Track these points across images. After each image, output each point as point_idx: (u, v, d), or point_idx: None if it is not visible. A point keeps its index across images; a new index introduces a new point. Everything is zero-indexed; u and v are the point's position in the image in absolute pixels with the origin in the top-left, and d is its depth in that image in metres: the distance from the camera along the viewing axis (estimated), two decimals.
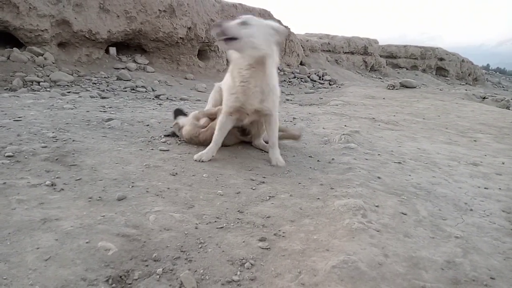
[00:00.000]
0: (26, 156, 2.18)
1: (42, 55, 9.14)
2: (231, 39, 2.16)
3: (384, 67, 25.65)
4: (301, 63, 18.55)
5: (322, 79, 14.92)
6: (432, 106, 7.66)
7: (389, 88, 12.55)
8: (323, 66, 19.63)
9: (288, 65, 16.59)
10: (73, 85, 8.40)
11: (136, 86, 9.07)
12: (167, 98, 8.36)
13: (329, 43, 22.39)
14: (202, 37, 12.31)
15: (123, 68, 10.36)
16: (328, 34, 23.88)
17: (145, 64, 11.22)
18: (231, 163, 2.53)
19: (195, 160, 2.49)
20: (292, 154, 2.92)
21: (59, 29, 9.71)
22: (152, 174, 2.14)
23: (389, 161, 2.88)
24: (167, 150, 2.64)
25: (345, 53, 23.27)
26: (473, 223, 1.79)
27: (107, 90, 8.36)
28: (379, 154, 3.05)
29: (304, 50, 19.24)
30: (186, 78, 11.49)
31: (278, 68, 13.07)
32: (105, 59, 10.81)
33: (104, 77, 9.50)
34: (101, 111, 3.80)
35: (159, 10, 11.20)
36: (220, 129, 2.60)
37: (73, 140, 2.59)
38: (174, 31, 11.51)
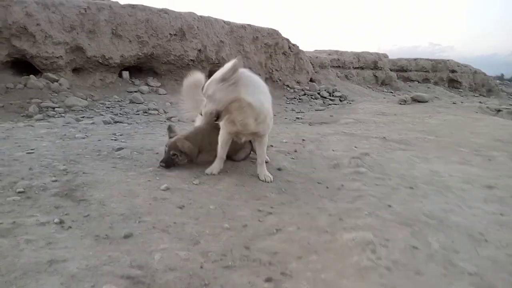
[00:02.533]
0: (36, 192, 2.21)
1: (57, 81, 9.41)
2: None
3: (395, 81, 25.53)
4: (311, 80, 18.61)
5: (333, 96, 14.91)
6: (445, 121, 7.54)
7: (400, 103, 12.45)
8: (333, 82, 19.66)
9: (298, 83, 16.67)
10: (87, 109, 8.59)
11: (149, 109, 9.22)
12: (178, 120, 8.45)
13: (338, 59, 22.46)
14: (212, 59, 12.51)
15: (135, 91, 10.57)
16: (337, 50, 23.97)
17: (157, 87, 11.43)
18: (239, 193, 2.52)
19: (207, 174, 2.79)
20: (301, 181, 2.90)
21: (73, 55, 10.02)
22: (159, 207, 2.14)
23: (401, 186, 2.83)
24: (175, 179, 2.65)
25: (355, 68, 23.28)
26: (488, 256, 1.73)
27: (120, 114, 8.51)
28: (390, 179, 3.00)
29: (313, 66, 19.32)
30: None
31: (288, 86, 13.27)
32: (119, 83, 11.06)
33: (118, 101, 9.70)
34: (112, 139, 3.86)
35: (170, 34, 11.47)
36: (222, 147, 2.87)
37: (83, 173, 2.62)
38: (185, 54, 11.75)
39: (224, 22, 13.64)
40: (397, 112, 9.38)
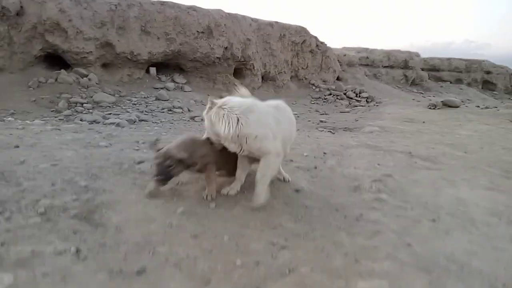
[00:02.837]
0: (57, 213, 2.27)
1: (86, 76, 9.65)
2: None
3: (426, 81, 24.72)
4: (338, 78, 18.29)
5: (359, 96, 14.59)
6: (476, 133, 7.24)
7: (430, 108, 12.06)
8: (361, 81, 19.23)
9: (324, 81, 16.42)
10: (114, 106, 8.78)
11: (173, 107, 9.32)
12: (201, 120, 8.51)
13: (367, 57, 21.95)
14: (238, 56, 12.49)
15: (162, 88, 10.72)
16: (367, 48, 23.41)
17: (183, 84, 11.55)
18: (254, 219, 2.50)
19: (223, 194, 2.81)
20: (319, 206, 2.84)
21: (103, 51, 10.24)
22: (173, 236, 2.15)
23: (422, 218, 2.73)
24: (191, 200, 2.66)
25: (385, 67, 22.69)
26: None
27: (145, 111, 8.65)
28: (412, 208, 2.90)
29: (341, 64, 18.96)
30: (222, 97, 11.65)
31: (314, 85, 13.06)
32: (146, 79, 11.24)
33: (144, 97, 9.86)
34: (135, 148, 3.92)
35: (197, 31, 11.52)
36: (239, 167, 2.91)
37: (104, 190, 2.67)
38: (211, 51, 11.78)
39: (252, 19, 13.55)
40: (425, 119, 9.09)
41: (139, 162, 3.36)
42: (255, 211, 2.66)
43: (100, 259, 1.85)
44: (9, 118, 6.14)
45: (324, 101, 14.23)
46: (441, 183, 3.75)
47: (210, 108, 2.62)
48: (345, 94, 14.65)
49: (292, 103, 13.09)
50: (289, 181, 3.32)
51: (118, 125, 6.01)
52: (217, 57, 11.96)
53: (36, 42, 9.35)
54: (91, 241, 2.02)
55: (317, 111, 11.99)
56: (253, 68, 13.22)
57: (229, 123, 2.51)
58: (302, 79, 15.76)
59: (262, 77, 13.96)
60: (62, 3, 9.44)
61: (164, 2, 11.34)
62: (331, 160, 4.31)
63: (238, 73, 13.26)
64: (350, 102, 13.93)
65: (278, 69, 14.54)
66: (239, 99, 2.70)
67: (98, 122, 6.94)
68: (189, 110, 9.43)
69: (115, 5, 10.37)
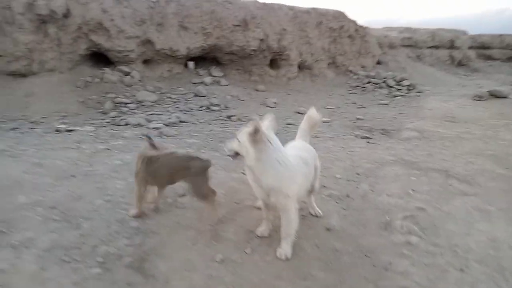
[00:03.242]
0: (113, 261, 2.59)
1: (129, 74, 10.10)
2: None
3: (473, 61, 23.22)
4: (378, 62, 17.67)
5: (399, 84, 14.10)
6: None
7: (475, 99, 11.50)
8: (402, 64, 18.47)
9: (362, 67, 15.97)
10: (156, 104, 9.18)
11: (211, 104, 9.58)
12: (238, 119, 8.73)
13: (410, 38, 20.90)
14: (274, 47, 12.44)
15: (200, 83, 11.00)
16: (410, 28, 22.28)
17: (219, 77, 11.75)
18: (287, 268, 2.69)
19: (257, 236, 3.02)
20: (349, 250, 2.97)
21: (144, 48, 10.61)
22: None
23: (451, 267, 2.80)
24: (229, 244, 2.90)
25: (429, 47, 21.53)
26: None
27: (185, 110, 8.99)
28: (441, 253, 2.97)
29: (381, 47, 18.25)
30: (257, 90, 11.77)
31: (352, 71, 12.83)
32: (184, 73, 11.55)
33: (183, 93, 10.20)
34: None
35: (233, 24, 11.56)
36: (264, 208, 3.01)
37: (152, 232, 2.98)
38: (247, 44, 11.82)
39: (288, 7, 13.32)
40: (468, 118, 8.74)
41: (181, 196, 3.64)
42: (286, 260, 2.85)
43: None
44: (62, 126, 6.64)
45: (362, 90, 13.90)
46: (474, 215, 3.73)
47: (254, 135, 2.45)
48: (384, 82, 14.19)
49: (329, 95, 12.95)
50: (320, 215, 3.47)
51: (160, 133, 6.35)
52: (252, 50, 11.99)
53: (81, 42, 9.86)
54: None
55: (354, 103, 11.78)
56: (289, 58, 13.12)
57: (276, 175, 2.56)
58: (340, 66, 15.43)
59: (298, 66, 13.82)
60: (104, 3, 9.81)
61: None
62: (364, 183, 4.38)
63: (273, 63, 13.22)
64: (390, 91, 13.50)
65: (315, 57, 14.31)
66: (284, 150, 2.75)
67: (142, 126, 7.36)
68: (226, 107, 9.65)
69: (154, 2, 10.61)
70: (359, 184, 4.37)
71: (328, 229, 3.28)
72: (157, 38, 10.64)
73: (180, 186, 3.86)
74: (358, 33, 15.81)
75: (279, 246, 2.83)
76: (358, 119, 9.13)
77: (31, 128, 6.76)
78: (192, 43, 11.22)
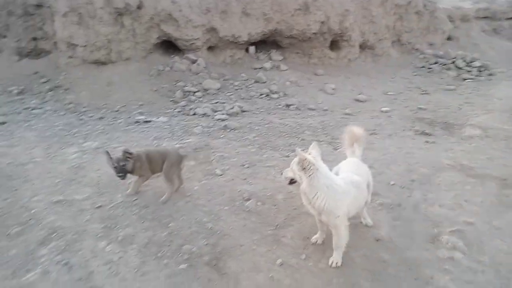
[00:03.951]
0: (196, 259, 3.24)
1: (195, 62, 10.76)
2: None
3: None
4: (448, 38, 16.51)
5: (469, 66, 13.22)
6: None
7: None
8: (475, 39, 17.05)
9: (430, 45, 15.08)
10: (219, 92, 9.80)
11: (270, 92, 9.97)
12: (296, 108, 9.05)
13: (487, 9, 19.03)
14: (335, 29, 12.29)
15: (260, 68, 11.37)
16: None
17: (279, 61, 12.00)
18: (338, 276, 3.13)
19: (312, 243, 3.51)
20: (395, 262, 3.32)
21: (208, 36, 11.16)
22: None
23: (490, 285, 3.06)
24: (287, 249, 3.41)
25: (508, 19, 19.44)
26: None
27: (246, 98, 9.50)
28: (483, 272, 3.21)
29: (452, 21, 16.93)
30: (316, 74, 11.85)
31: (418, 50, 12.31)
32: (245, 58, 11.97)
33: (244, 80, 10.67)
34: (242, 178, 4.75)
35: (294, 8, 11.59)
36: (319, 222, 3.40)
37: (224, 234, 3.59)
38: (307, 28, 11.82)
39: None
40: None
41: (247, 200, 4.20)
42: (337, 270, 3.29)
43: None
44: (141, 118, 7.52)
45: (428, 71, 13.26)
46: None
47: (302, 164, 2.95)
48: (453, 63, 13.37)
49: (391, 77, 12.60)
50: (371, 225, 3.83)
51: (225, 127, 6.94)
52: (313, 33, 11.97)
53: (153, 32, 10.65)
54: None
55: (418, 87, 11.39)
56: (350, 38, 12.87)
57: (325, 198, 3.04)
58: (405, 44, 14.76)
59: (360, 47, 13.51)
60: None
61: None
62: (417, 191, 4.59)
63: (334, 45, 13.06)
64: (459, 74, 12.73)
65: (378, 36, 13.84)
66: (330, 175, 3.18)
67: (208, 116, 8.03)
68: (284, 94, 9.97)
69: None
70: (412, 192, 4.59)
71: (377, 240, 3.65)
72: (221, 26, 11.09)
73: (247, 190, 4.44)
74: (426, 8, 14.86)
75: (332, 255, 3.28)
76: (419, 108, 8.96)
77: (115, 118, 7.73)
78: (253, 28, 11.52)
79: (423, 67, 13.66)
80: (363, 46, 13.77)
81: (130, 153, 3.90)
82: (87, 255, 3.27)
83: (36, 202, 4.09)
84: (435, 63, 13.70)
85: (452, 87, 11.28)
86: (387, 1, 13.81)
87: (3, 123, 6.94)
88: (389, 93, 10.66)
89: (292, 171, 3.10)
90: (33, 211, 3.93)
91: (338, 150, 5.94)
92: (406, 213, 4.13)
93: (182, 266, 3.17)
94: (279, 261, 3.27)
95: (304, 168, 2.97)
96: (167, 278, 3.04)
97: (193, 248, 3.38)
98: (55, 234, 3.55)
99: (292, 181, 3.20)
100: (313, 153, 3.09)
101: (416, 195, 4.52)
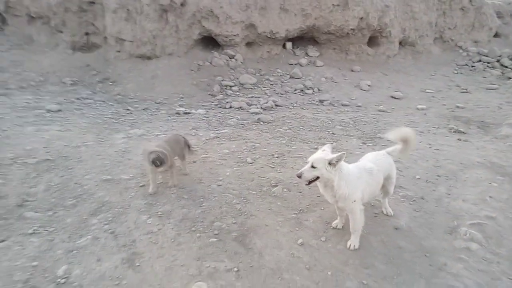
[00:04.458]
0: (225, 235, 3.61)
1: (233, 57, 11.19)
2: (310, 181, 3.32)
3: None
4: (496, 35, 15.80)
5: None
6: None
7: None
8: None
9: (475, 42, 14.57)
10: (255, 87, 10.16)
11: (305, 87, 10.19)
12: (329, 103, 9.22)
13: None
14: (373, 25, 12.23)
15: (296, 64, 11.60)
16: None
17: (315, 57, 12.15)
18: (354, 257, 3.37)
19: (333, 227, 3.76)
20: (412, 249, 3.51)
21: (247, 32, 11.53)
22: (294, 265, 3.23)
23: (504, 275, 3.17)
24: (309, 231, 3.69)
25: None
26: None
27: (281, 93, 9.79)
28: (497, 263, 3.32)
29: (501, 17, 16.17)
30: (352, 71, 11.89)
31: (461, 47, 12.05)
32: (282, 54, 12.24)
33: (280, 75, 10.96)
34: (271, 166, 5.08)
35: (333, 4, 11.67)
36: (337, 209, 3.69)
37: (251, 215, 3.92)
38: (345, 23, 11.87)
39: None
40: None
41: (274, 186, 4.51)
42: (355, 251, 3.53)
43: (250, 279, 3.09)
44: (181, 109, 8.03)
45: (470, 69, 12.85)
46: None
47: (340, 159, 3.22)
48: (498, 61, 12.84)
49: (431, 75, 12.37)
50: (391, 215, 4.02)
51: (259, 120, 7.28)
52: (351, 29, 11.99)
53: (195, 28, 11.17)
54: (245, 262, 3.27)
55: (458, 86, 11.13)
56: (390, 35, 12.73)
57: (345, 186, 3.31)
58: (448, 41, 14.34)
59: (400, 43, 13.33)
60: None
61: None
62: (442, 186, 4.69)
63: (372, 41, 12.99)
64: (503, 72, 12.23)
65: (419, 33, 13.57)
66: (346, 165, 3.42)
67: (243, 109, 8.40)
68: (319, 90, 10.15)
69: None
70: (437, 187, 4.70)
71: (396, 228, 3.83)
72: (259, 22, 11.42)
73: (275, 177, 4.75)
74: (472, 4, 14.33)
75: (350, 238, 3.53)
76: (457, 107, 8.82)
77: (157, 109, 8.31)
78: (291, 24, 11.74)
79: (465, 65, 13.25)
80: (403, 43, 13.58)
81: (162, 159, 4.13)
82: (130, 226, 3.73)
83: (88, 179, 4.63)
84: (479, 61, 13.23)
85: (494, 86, 10.91)
86: None
87: (59, 110, 7.69)
88: (427, 90, 10.52)
89: (315, 168, 3.28)
90: (85, 187, 4.47)
91: (367, 145, 6.10)
92: (428, 205, 4.27)
93: (212, 239, 3.54)
94: (300, 241, 3.56)
95: (334, 165, 3.23)
96: (199, 249, 3.42)
97: (223, 225, 3.75)
98: (104, 207, 4.05)
99: (310, 182, 3.33)
100: (326, 149, 3.40)
101: (440, 189, 4.62)
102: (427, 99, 9.70)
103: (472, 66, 12.99)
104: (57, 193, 4.33)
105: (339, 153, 3.22)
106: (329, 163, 3.21)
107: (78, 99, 8.76)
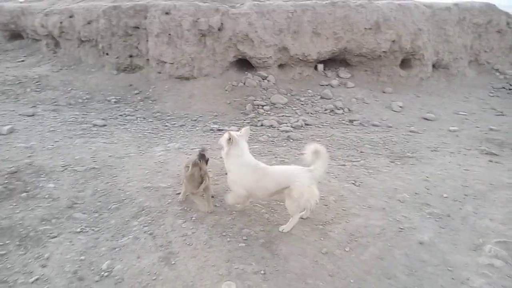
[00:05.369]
0: (253, 241, 3.85)
1: (266, 78, 11.63)
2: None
3: None
4: None
5: None
6: None
7: None
8: None
9: None
10: (286, 106, 10.47)
11: (335, 107, 10.37)
12: (360, 123, 9.34)
13: None
14: (406, 48, 12.31)
15: (327, 85, 11.85)
16: None
17: (346, 79, 12.35)
18: (376, 268, 3.50)
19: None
20: (435, 262, 3.59)
21: (279, 55, 11.97)
22: (317, 272, 3.41)
23: None
24: (333, 241, 3.86)
25: None
26: None
27: (311, 113, 10.02)
28: None
29: None
30: (384, 92, 11.95)
31: (498, 71, 11.73)
32: (313, 75, 12.53)
33: (311, 96, 11.22)
34: None
35: (365, 28, 11.92)
36: None
37: (278, 224, 4.15)
38: (377, 46, 12.04)
39: (426, 5, 12.86)
40: None
41: None
42: (379, 258, 3.66)
43: (276, 282, 3.30)
44: (214, 126, 8.47)
45: (508, 93, 12.55)
46: None
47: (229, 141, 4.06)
48: None
49: (465, 97, 12.19)
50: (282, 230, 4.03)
51: (288, 137, 7.56)
52: (383, 51, 12.14)
53: (231, 51, 11.75)
54: (271, 266, 3.49)
55: (493, 109, 10.90)
56: (423, 57, 12.73)
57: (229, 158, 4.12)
58: (484, 64, 14.11)
59: (433, 66, 13.28)
60: (251, 17, 11.44)
61: (335, 2, 12.10)
62: (469, 205, 4.71)
63: (405, 63, 13.02)
64: None
65: (454, 56, 13.46)
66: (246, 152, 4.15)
67: (274, 127, 8.71)
68: (349, 110, 10.30)
69: (292, 12, 11.80)
70: (464, 205, 4.72)
71: (420, 243, 3.92)
72: (292, 45, 11.83)
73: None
74: (509, 26, 14.10)
75: (373, 251, 3.66)
76: (491, 129, 8.67)
77: (193, 126, 8.79)
78: (323, 47, 12.07)
79: (502, 88, 12.96)
80: (436, 65, 13.52)
81: (206, 156, 4.56)
82: (167, 229, 4.07)
83: (130, 186, 5.06)
84: None
85: None
86: (464, 19, 13.45)
87: (104, 125, 8.34)
88: (460, 113, 10.40)
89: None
90: (127, 193, 4.88)
91: (395, 163, 6.19)
92: (454, 223, 4.31)
93: (241, 244, 3.80)
94: (324, 250, 3.74)
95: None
96: (229, 252, 3.69)
97: (251, 232, 4.00)
98: (143, 211, 4.43)
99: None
100: (242, 132, 4.22)
101: (467, 208, 4.65)
102: (460, 121, 9.60)
103: (510, 89, 12.69)
104: (102, 197, 4.77)
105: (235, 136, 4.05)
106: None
107: (121, 115, 9.43)
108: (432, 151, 6.96)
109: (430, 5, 13.05)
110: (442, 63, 13.51)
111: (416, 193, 5.00)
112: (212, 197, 4.66)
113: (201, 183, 4.28)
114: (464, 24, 13.52)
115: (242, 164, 4.08)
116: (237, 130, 4.50)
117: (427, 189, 5.15)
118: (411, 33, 12.30)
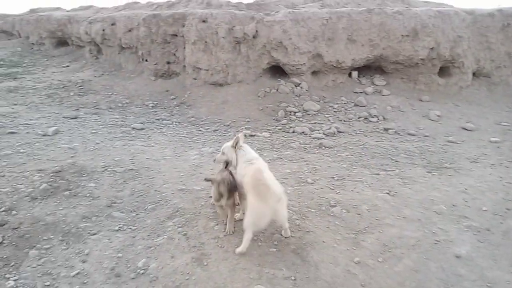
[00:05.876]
0: (284, 246, 3.88)
1: (299, 85, 11.65)
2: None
3: None
4: None
5: None
6: None
7: None
8: None
9: None
10: (318, 113, 10.43)
11: (369, 115, 10.21)
12: (395, 132, 9.13)
13: None
14: (445, 55, 11.93)
15: (361, 92, 11.69)
16: None
17: (381, 86, 12.13)
18: (411, 280, 3.43)
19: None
20: (472, 277, 3.46)
21: (313, 61, 11.96)
22: (349, 281, 3.38)
23: None
24: (366, 251, 3.81)
25: None
26: None
27: (344, 120, 9.93)
28: None
29: None
30: (420, 100, 11.62)
31: None
32: (347, 83, 12.42)
33: (344, 103, 11.12)
34: (331, 188, 5.28)
35: (402, 35, 11.68)
36: None
37: (308, 231, 4.15)
38: (414, 53, 11.76)
39: (466, 12, 12.43)
40: None
41: (332, 206, 4.69)
42: (413, 271, 3.57)
43: None
44: (247, 132, 8.58)
45: None
46: None
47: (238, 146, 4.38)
48: None
49: (508, 107, 11.62)
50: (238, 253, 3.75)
51: (320, 144, 7.53)
52: (420, 59, 11.83)
53: (264, 58, 11.89)
54: (302, 272, 3.50)
55: None
56: (463, 65, 12.28)
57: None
58: None
59: (474, 74, 12.78)
60: (285, 24, 11.55)
61: (371, 9, 11.97)
62: (511, 220, 4.50)
63: (443, 71, 12.60)
64: None
65: (496, 64, 12.90)
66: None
67: (306, 134, 8.70)
68: (384, 119, 10.10)
69: (327, 19, 11.78)
70: (505, 220, 4.52)
71: (457, 257, 3.79)
72: (326, 52, 11.80)
73: (334, 198, 4.94)
74: None
75: (408, 263, 3.58)
76: None
77: (226, 131, 8.96)
78: (358, 54, 11.95)
79: None
80: (477, 74, 13.00)
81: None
82: (200, 230, 4.17)
83: (166, 188, 5.23)
84: None
85: None
86: (508, 26, 12.86)
87: (142, 129, 8.67)
88: (502, 123, 9.94)
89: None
90: (163, 194, 5.06)
91: (432, 173, 6.01)
92: (494, 237, 4.14)
93: (272, 249, 3.83)
94: (356, 259, 3.70)
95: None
96: (259, 256, 3.73)
97: (282, 237, 4.03)
98: (178, 212, 4.57)
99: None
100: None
101: (509, 222, 4.44)
102: (502, 132, 9.16)
103: None
104: (139, 198, 4.97)
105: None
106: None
107: (157, 119, 9.77)
108: (471, 162, 6.69)
109: (471, 12, 12.61)
110: (483, 71, 12.97)
111: (453, 205, 4.84)
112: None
113: (221, 197, 3.98)
114: (508, 31, 12.92)
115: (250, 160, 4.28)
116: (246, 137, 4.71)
117: (466, 201, 4.96)
118: (450, 40, 11.92)
